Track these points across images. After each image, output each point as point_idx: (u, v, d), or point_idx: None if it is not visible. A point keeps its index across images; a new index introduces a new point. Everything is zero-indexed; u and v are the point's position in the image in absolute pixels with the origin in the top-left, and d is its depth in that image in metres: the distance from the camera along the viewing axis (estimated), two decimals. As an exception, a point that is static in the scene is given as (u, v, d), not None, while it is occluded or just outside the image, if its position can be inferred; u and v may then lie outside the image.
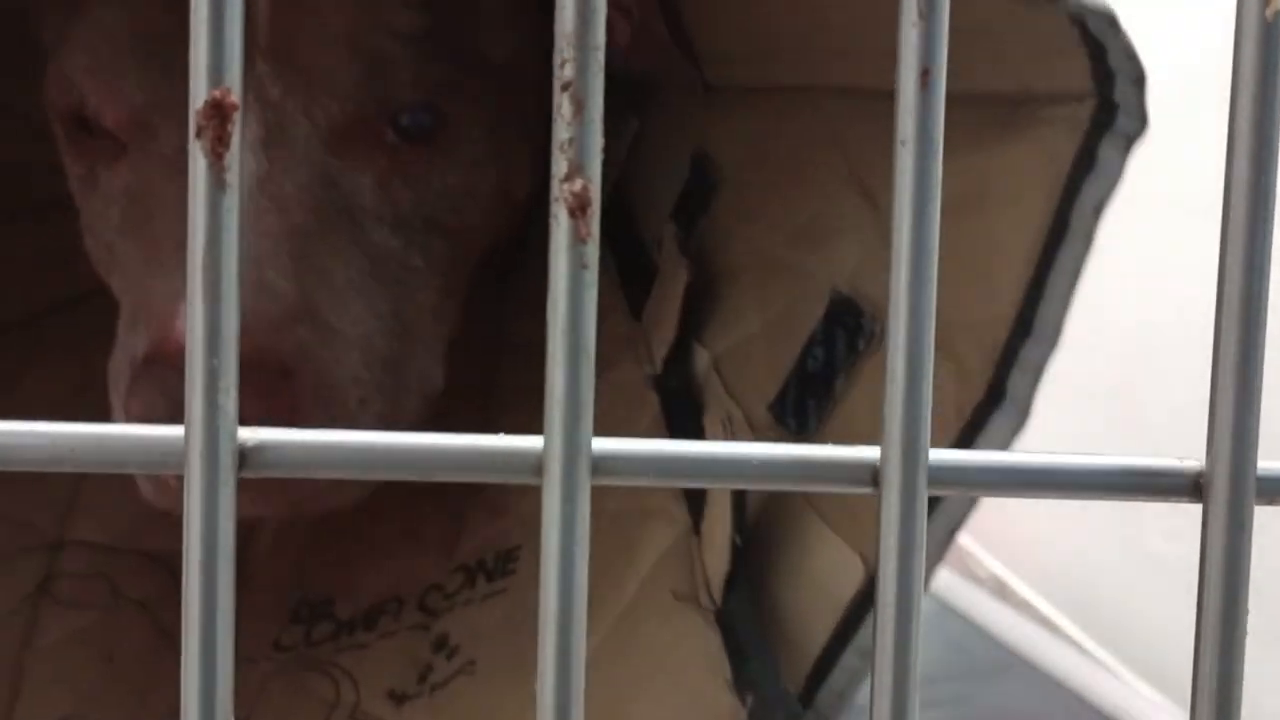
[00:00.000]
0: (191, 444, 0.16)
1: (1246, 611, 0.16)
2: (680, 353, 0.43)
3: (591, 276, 0.15)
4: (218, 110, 0.16)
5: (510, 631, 0.42)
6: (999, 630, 0.99)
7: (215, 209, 0.16)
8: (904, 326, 0.15)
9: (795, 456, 0.16)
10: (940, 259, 0.42)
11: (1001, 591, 1.08)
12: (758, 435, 0.40)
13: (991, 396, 0.34)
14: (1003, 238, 0.35)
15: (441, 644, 0.43)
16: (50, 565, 0.46)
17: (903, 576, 0.15)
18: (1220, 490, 0.15)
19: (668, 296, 0.43)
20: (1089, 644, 0.98)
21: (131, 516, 0.44)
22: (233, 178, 0.16)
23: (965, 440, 0.34)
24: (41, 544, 0.47)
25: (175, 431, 0.16)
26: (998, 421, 0.34)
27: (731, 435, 0.40)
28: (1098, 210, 0.33)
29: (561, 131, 0.15)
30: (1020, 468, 0.16)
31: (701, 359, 0.43)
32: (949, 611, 1.04)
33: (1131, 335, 0.97)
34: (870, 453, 0.16)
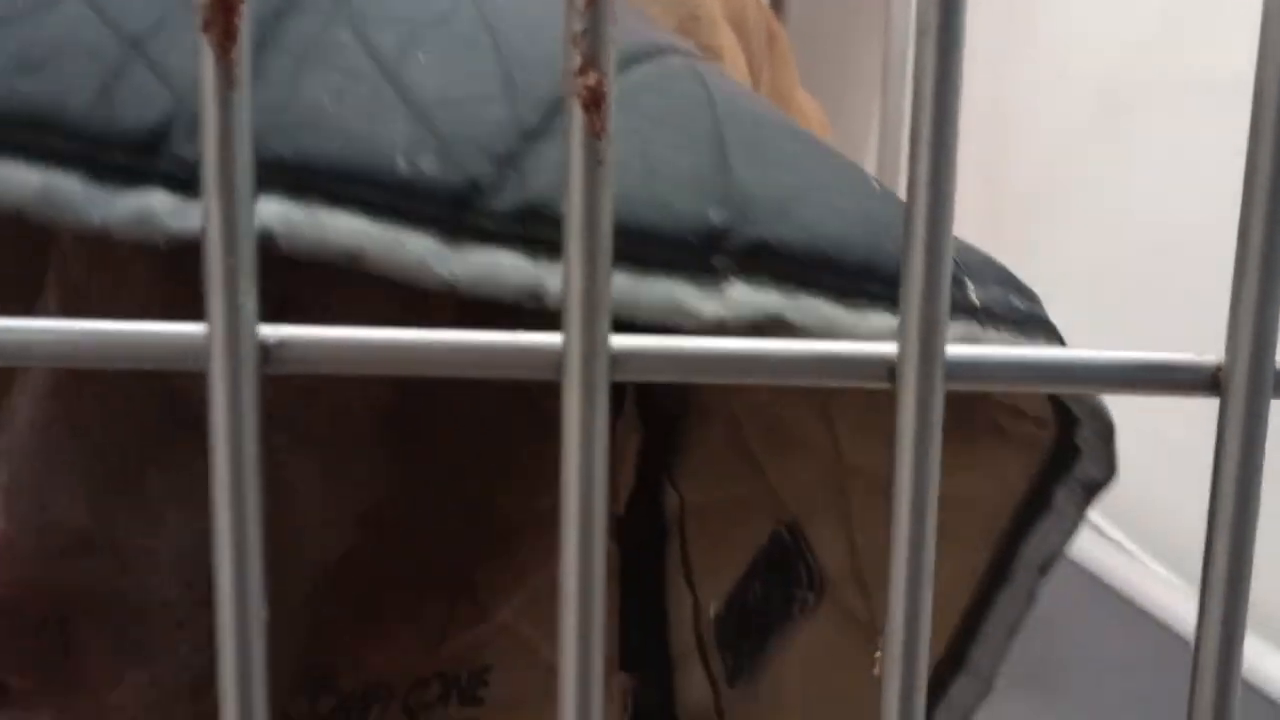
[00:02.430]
0: (214, 342, 0.16)
1: (1259, 503, 0.16)
2: (646, 489, 0.40)
3: (607, 172, 0.15)
4: (224, 3, 0.15)
5: None
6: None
7: (226, 106, 0.15)
8: (922, 221, 0.15)
9: (812, 352, 0.16)
10: (876, 543, 0.37)
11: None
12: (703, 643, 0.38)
13: None
14: (941, 561, 0.32)
15: None
16: None
17: (918, 473, 0.15)
18: (1238, 385, 0.15)
19: (629, 422, 0.40)
20: (1104, 525, 0.99)
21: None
22: (242, 73, 0.16)
23: None
24: None
25: (197, 329, 0.17)
26: None
27: (698, 631, 0.39)
28: (1044, 567, 0.29)
29: (574, 23, 0.15)
30: (1037, 362, 0.16)
31: (671, 501, 0.40)
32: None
33: (1156, 222, 0.95)
34: (887, 348, 0.16)
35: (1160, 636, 0.81)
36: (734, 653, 0.37)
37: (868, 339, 0.23)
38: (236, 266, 0.16)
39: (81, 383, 0.32)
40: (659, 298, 0.23)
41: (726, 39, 0.69)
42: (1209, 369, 0.16)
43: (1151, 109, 0.95)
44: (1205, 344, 0.17)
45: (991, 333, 0.25)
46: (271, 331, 0.17)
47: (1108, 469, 0.28)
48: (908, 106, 1.26)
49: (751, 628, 0.37)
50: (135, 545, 0.32)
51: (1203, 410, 0.17)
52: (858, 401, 0.34)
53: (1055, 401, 0.27)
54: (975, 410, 0.30)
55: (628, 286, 0.23)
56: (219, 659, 0.16)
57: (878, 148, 1.31)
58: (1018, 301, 0.26)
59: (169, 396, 0.32)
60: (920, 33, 0.15)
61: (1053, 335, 0.26)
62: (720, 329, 0.23)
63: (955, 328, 0.24)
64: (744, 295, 0.23)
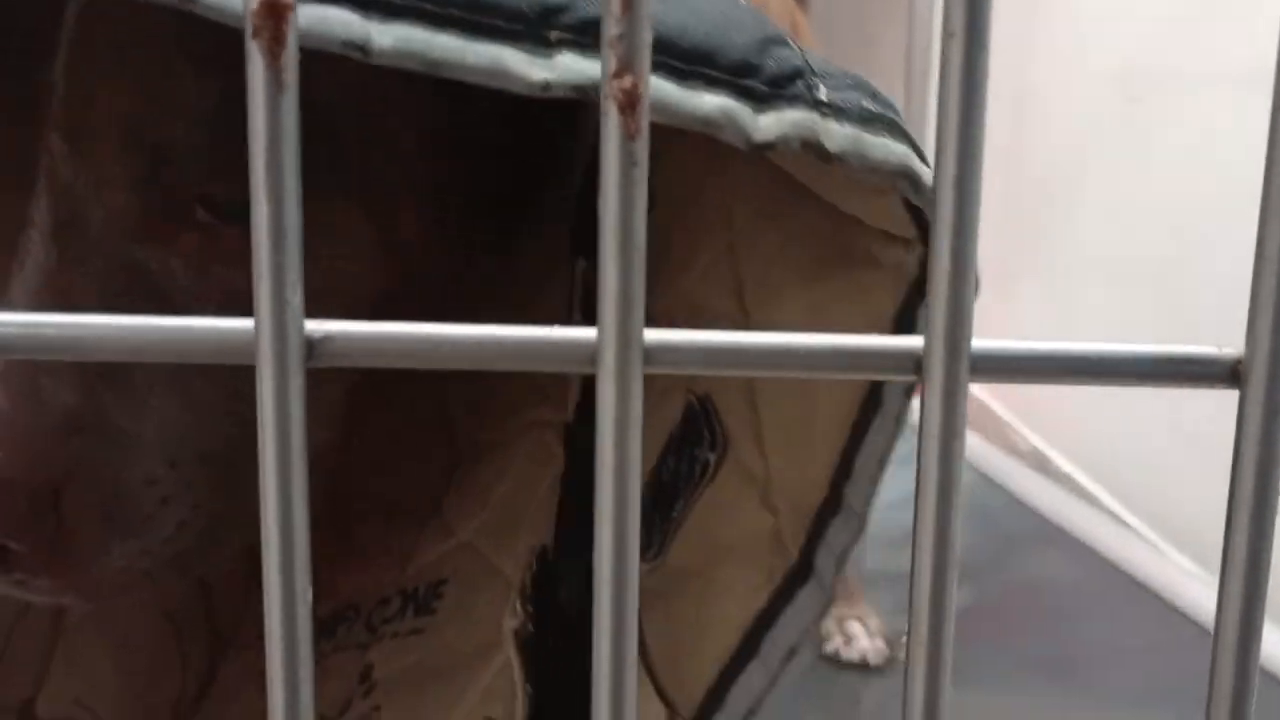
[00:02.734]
0: (261, 336, 0.17)
1: (1278, 493, 0.17)
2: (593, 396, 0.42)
3: (641, 173, 0.16)
4: (273, 10, 0.16)
5: (416, 686, 0.43)
6: (1038, 502, 1.00)
7: (275, 110, 0.16)
8: (949, 218, 0.16)
9: (841, 346, 0.16)
10: (774, 400, 0.41)
11: (1042, 464, 1.09)
12: None
13: (801, 568, 0.34)
14: (823, 395, 0.34)
15: (366, 675, 0.44)
16: None
17: (944, 462, 0.15)
18: (1258, 378, 0.16)
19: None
20: (1126, 515, 0.99)
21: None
22: (290, 77, 0.16)
23: (774, 609, 0.34)
24: None
25: (245, 324, 0.17)
26: (804, 596, 0.34)
27: None
28: (909, 391, 0.31)
29: (610, 28, 0.16)
30: (1060, 356, 0.17)
31: None
32: (990, 483, 1.05)
33: (1179, 211, 0.95)
34: (914, 342, 0.16)
35: (1179, 624, 0.81)
36: (648, 526, 0.39)
37: (695, 117, 0.25)
38: (283, 264, 0.16)
39: (72, 275, 0.35)
40: (485, 59, 0.24)
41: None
42: (1229, 361, 0.16)
43: (1170, 98, 0.95)
44: (1224, 331, 0.18)
45: (833, 125, 0.27)
46: (316, 326, 0.17)
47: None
48: (931, 99, 1.26)
49: (664, 500, 0.38)
50: (122, 426, 0.35)
51: (1223, 400, 0.18)
52: (768, 280, 0.36)
53: (916, 214, 0.29)
54: (854, 242, 0.32)
55: (455, 46, 0.24)
56: (267, 643, 0.17)
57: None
58: (869, 104, 0.27)
59: (153, 285, 0.35)
60: (947, 35, 0.15)
61: (898, 133, 0.28)
62: (547, 90, 0.25)
63: (794, 113, 0.26)
64: (572, 63, 0.25)
